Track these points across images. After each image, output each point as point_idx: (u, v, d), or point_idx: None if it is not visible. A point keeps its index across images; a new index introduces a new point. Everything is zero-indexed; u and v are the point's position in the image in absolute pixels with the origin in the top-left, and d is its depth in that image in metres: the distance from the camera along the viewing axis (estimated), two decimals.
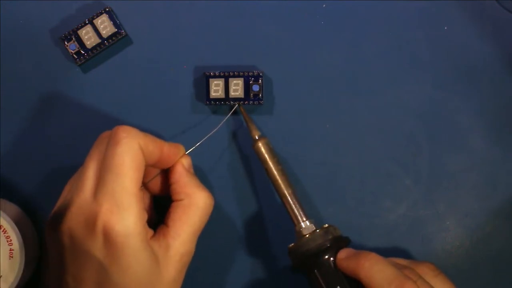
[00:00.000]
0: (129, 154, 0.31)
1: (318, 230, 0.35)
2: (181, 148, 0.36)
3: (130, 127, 0.32)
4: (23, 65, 0.41)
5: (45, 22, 0.41)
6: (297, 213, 0.36)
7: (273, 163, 0.37)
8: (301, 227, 0.36)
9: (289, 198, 0.36)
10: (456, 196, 0.40)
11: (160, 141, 0.34)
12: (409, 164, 0.40)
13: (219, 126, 0.39)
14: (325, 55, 0.41)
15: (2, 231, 0.36)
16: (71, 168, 0.37)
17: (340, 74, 0.41)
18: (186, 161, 0.36)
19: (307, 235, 0.35)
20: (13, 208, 0.39)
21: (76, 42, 0.40)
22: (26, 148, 0.41)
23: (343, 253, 0.34)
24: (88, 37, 0.40)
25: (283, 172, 0.37)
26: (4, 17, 0.41)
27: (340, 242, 0.35)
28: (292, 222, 0.36)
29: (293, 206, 0.36)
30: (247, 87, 0.39)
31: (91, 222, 0.30)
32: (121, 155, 0.31)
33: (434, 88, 0.40)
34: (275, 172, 0.37)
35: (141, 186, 0.36)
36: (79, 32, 0.40)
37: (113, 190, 0.30)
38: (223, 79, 0.39)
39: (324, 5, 0.41)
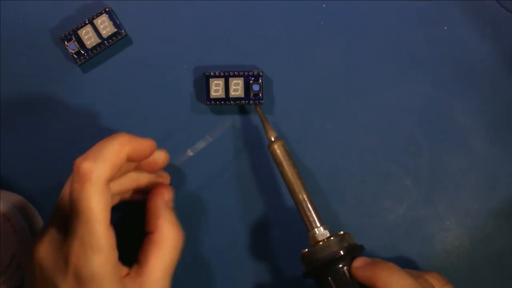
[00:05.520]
0: (95, 196, 0.30)
1: (333, 237, 0.34)
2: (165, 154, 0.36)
3: (93, 156, 0.30)
4: (23, 65, 0.41)
5: (45, 22, 0.41)
6: (312, 219, 0.35)
7: (289, 166, 0.36)
8: (315, 233, 0.34)
9: (305, 203, 0.35)
10: (456, 196, 0.40)
11: (145, 146, 0.33)
12: (409, 164, 0.40)
13: (222, 128, 0.38)
14: (325, 55, 0.41)
15: (3, 216, 0.37)
16: (71, 168, 0.37)
17: (340, 74, 0.41)
18: (167, 194, 0.35)
19: (322, 242, 0.34)
20: (13, 196, 0.39)
21: (76, 42, 0.40)
22: (26, 148, 0.41)
23: (359, 262, 0.33)
24: (88, 37, 0.40)
25: (299, 175, 0.36)
26: (4, 17, 0.41)
27: (355, 250, 0.34)
28: (306, 227, 0.35)
29: (308, 211, 0.35)
30: (247, 87, 0.39)
31: (62, 260, 0.30)
32: (87, 200, 0.29)
33: (434, 88, 0.40)
34: (290, 176, 0.35)
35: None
36: (79, 32, 0.40)
37: (82, 235, 0.30)
38: (223, 79, 0.39)
39: (324, 5, 0.41)
